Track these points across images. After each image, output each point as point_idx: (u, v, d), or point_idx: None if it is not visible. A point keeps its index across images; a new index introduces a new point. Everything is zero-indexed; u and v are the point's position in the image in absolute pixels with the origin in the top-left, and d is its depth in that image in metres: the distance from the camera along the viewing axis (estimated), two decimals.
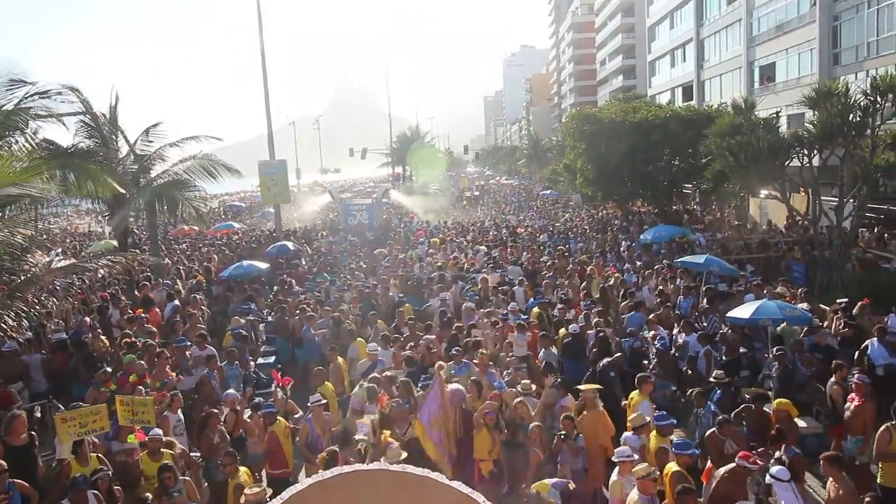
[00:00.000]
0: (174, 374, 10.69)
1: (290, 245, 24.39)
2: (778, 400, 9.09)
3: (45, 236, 43.81)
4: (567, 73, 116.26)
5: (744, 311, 12.00)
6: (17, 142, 10.85)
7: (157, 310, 15.55)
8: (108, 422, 8.05)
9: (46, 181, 10.83)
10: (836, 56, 31.30)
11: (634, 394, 9.92)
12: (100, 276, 12.24)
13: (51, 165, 10.68)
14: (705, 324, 13.54)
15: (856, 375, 9.52)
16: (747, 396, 10.78)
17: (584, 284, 17.75)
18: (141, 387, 9.55)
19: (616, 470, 7.68)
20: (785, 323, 12.22)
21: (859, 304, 13.17)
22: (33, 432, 8.47)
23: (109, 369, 10.30)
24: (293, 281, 19.22)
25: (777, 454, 7.48)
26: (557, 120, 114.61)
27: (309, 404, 9.44)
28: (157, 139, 17.85)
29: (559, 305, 15.19)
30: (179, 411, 9.45)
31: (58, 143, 14.15)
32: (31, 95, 11.10)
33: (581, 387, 9.77)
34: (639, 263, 20.29)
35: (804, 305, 13.40)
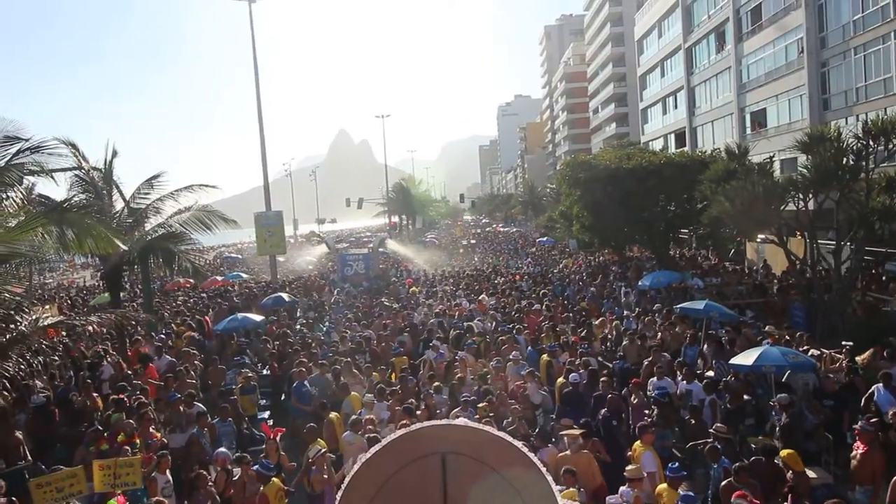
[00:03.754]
0: (158, 435, 10.33)
1: (286, 297, 24.16)
2: (783, 452, 8.77)
3: (39, 291, 43.66)
4: (561, 121, 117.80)
5: (746, 358, 11.75)
6: (7, 197, 10.73)
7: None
8: (85, 485, 7.71)
9: (43, 238, 10.69)
10: (825, 101, 31.69)
11: (637, 444, 9.67)
12: (89, 331, 11.89)
13: (46, 221, 10.52)
14: (711, 372, 13.26)
15: (860, 423, 9.27)
16: (753, 446, 10.53)
17: (581, 330, 17.64)
18: (128, 447, 9.21)
19: None
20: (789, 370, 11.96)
21: (871, 350, 12.93)
22: (14, 498, 8.14)
23: (101, 427, 9.96)
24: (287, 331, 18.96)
25: None
26: (552, 167, 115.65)
27: (310, 458, 9.19)
28: (154, 191, 17.81)
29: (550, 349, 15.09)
30: (168, 472, 9.11)
31: (53, 198, 14.12)
32: (24, 151, 11.02)
33: (564, 432, 9.54)
34: (638, 310, 20.10)
35: (812, 351, 13.19)
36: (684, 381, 12.44)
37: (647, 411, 11.29)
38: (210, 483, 8.86)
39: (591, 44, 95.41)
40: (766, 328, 15.20)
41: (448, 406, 11.92)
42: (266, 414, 14.04)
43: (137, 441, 9.55)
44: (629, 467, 8.53)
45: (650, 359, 13.37)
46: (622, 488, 8.33)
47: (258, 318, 19.68)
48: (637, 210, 28.61)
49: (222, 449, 9.68)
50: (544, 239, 54.02)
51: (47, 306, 26.87)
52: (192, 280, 31.15)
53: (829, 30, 31.02)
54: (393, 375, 14.04)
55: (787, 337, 14.31)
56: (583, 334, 17.26)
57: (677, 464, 8.59)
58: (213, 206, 18.98)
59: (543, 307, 20.91)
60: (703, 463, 9.85)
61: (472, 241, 65.13)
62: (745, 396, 11.89)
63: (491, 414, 10.93)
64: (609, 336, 17.09)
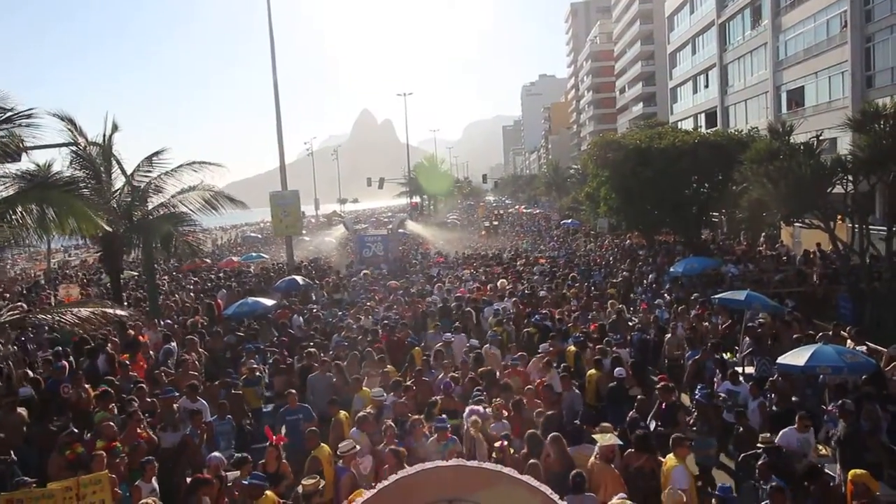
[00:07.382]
0: (146, 435, 9.35)
1: (300, 280, 23.20)
2: (853, 472, 7.60)
3: (65, 270, 43.56)
4: (586, 101, 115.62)
5: (797, 358, 10.56)
6: None
7: (151, 352, 14.42)
8: None
9: (22, 217, 9.85)
10: (869, 78, 30.05)
11: (669, 458, 8.43)
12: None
13: (25, 199, 9.62)
14: (751, 369, 12.10)
15: None
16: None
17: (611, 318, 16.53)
18: (101, 453, 8.16)
19: None
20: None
21: None
22: None
23: (76, 429, 9.00)
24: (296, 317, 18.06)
25: None
26: (577, 148, 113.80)
27: (339, 452, 8.47)
28: (157, 168, 16.80)
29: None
30: (154, 479, 8.18)
31: (40, 175, 13.13)
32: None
33: (598, 440, 8.45)
34: (668, 298, 18.89)
35: (861, 348, 11.97)
36: (727, 382, 11.31)
37: (688, 417, 10.17)
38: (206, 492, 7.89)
39: (619, 21, 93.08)
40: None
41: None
42: (272, 407, 13.13)
43: (119, 445, 8.58)
44: (668, 489, 7.36)
45: (698, 357, 12.14)
46: None
47: (270, 302, 18.70)
48: (668, 191, 27.28)
49: (216, 454, 8.65)
50: (569, 221, 52.72)
51: (72, 286, 26.78)
52: (208, 260, 30.43)
53: (875, 2, 29.34)
54: (407, 372, 13.04)
55: (843, 333, 12.99)
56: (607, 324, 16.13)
57: (728, 487, 7.47)
58: (235, 185, 18.11)
59: (570, 293, 19.80)
60: (753, 475, 8.78)
61: (495, 223, 63.95)
62: (793, 398, 10.77)
63: (504, 415, 9.96)
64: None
